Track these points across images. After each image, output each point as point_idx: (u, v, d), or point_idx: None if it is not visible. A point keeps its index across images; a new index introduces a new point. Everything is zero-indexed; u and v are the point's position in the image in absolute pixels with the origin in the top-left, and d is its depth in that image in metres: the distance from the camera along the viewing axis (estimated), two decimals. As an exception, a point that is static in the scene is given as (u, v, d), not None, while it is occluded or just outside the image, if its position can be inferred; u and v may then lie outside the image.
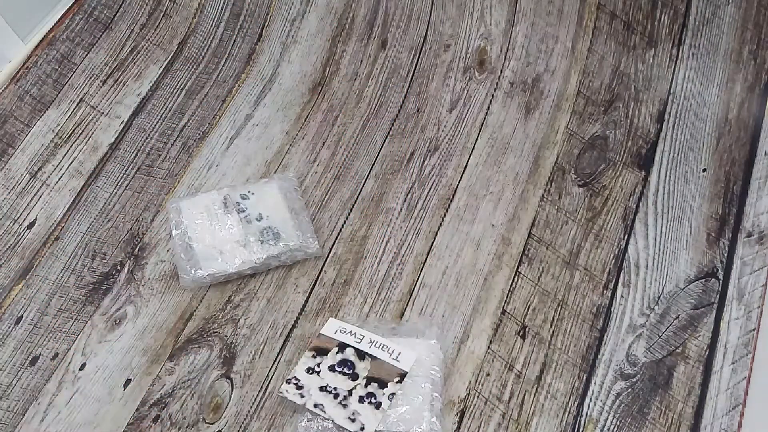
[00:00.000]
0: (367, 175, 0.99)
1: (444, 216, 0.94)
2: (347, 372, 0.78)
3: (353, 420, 0.75)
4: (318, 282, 0.89)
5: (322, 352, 0.80)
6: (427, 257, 0.90)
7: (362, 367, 0.79)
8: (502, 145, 1.00)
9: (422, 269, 0.89)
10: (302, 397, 0.77)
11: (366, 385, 0.77)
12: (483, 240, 0.91)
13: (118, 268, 0.91)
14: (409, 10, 1.14)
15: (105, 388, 0.82)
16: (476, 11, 1.11)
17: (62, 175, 0.98)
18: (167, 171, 1.00)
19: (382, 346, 0.80)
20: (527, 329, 0.84)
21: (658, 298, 0.86)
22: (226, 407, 0.80)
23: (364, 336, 0.81)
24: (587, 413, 0.79)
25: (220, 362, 0.83)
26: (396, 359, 0.78)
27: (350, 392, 0.77)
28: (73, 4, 1.09)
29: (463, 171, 0.98)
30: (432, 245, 0.91)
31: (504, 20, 1.10)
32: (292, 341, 0.84)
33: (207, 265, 0.87)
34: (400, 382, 0.77)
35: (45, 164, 0.98)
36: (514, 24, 1.10)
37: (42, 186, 0.97)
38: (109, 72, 1.08)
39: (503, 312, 0.86)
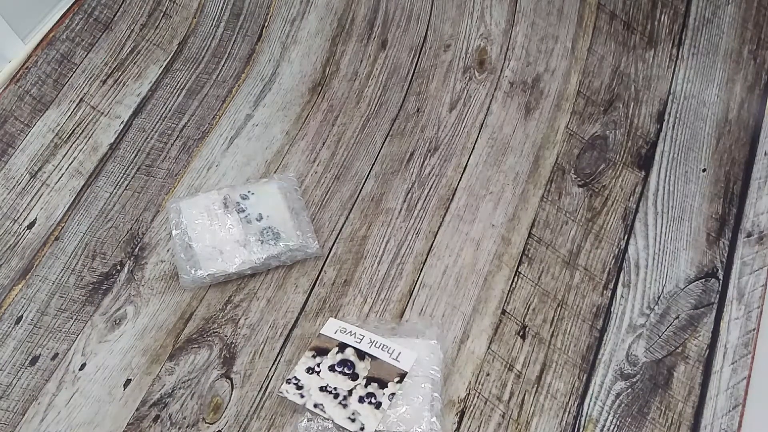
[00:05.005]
0: (367, 175, 0.99)
1: (444, 216, 0.94)
2: (347, 372, 0.78)
3: (353, 420, 0.75)
4: (318, 282, 0.89)
5: (322, 352, 0.80)
6: (427, 257, 0.90)
7: (362, 367, 0.79)
8: (502, 145, 1.00)
9: (422, 269, 0.89)
10: (302, 397, 0.77)
11: (366, 385, 0.77)
12: (483, 240, 0.91)
13: (118, 268, 0.91)
14: (409, 10, 1.14)
15: (105, 388, 0.82)
16: (476, 11, 1.11)
17: (62, 175, 0.98)
18: (167, 171, 1.00)
19: (382, 346, 0.80)
20: (527, 329, 0.84)
21: (658, 298, 0.86)
22: (226, 407, 0.80)
23: (364, 336, 0.81)
24: (587, 413, 0.78)
25: (220, 362, 0.83)
26: (396, 359, 0.78)
27: (350, 392, 0.77)
28: (73, 4, 1.09)
29: (463, 171, 0.98)
30: (432, 245, 0.91)
31: (504, 20, 1.10)
32: (292, 341, 0.84)
33: (207, 265, 0.87)
34: (400, 382, 0.77)
35: (45, 164, 0.98)
36: (514, 24, 1.10)
37: (42, 186, 0.97)
38: (109, 72, 1.08)
39: (503, 312, 0.86)
